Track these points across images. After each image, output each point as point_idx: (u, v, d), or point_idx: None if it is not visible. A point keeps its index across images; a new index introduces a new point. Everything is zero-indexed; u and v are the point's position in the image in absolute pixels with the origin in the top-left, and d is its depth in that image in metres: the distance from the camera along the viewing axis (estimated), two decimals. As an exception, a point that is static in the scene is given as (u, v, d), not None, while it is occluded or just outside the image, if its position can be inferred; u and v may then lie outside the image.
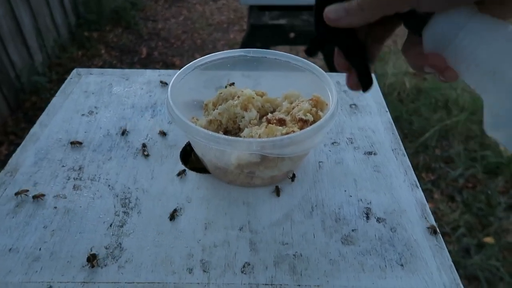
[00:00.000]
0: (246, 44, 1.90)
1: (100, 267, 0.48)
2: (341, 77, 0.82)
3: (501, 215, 1.60)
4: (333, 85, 0.57)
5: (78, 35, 2.64)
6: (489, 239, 1.55)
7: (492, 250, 1.49)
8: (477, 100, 2.18)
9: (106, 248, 0.50)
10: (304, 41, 2.03)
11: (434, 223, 0.54)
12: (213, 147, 0.52)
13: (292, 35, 1.88)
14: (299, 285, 0.46)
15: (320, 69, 0.61)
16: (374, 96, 0.77)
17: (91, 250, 0.49)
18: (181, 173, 0.60)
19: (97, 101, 0.74)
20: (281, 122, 0.54)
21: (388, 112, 0.73)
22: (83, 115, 0.71)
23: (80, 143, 0.65)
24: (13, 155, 0.63)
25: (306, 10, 1.92)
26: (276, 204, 0.56)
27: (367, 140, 0.67)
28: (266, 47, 1.72)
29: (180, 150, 0.65)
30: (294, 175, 0.60)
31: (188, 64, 0.62)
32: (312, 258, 0.49)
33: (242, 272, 0.48)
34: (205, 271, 0.48)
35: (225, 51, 0.65)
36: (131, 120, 0.70)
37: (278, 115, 0.56)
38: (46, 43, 2.30)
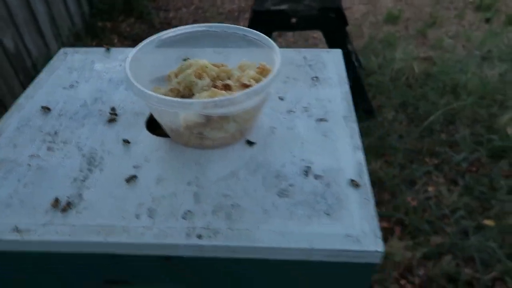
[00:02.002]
0: (248, 29, 1.93)
1: (59, 212, 0.54)
2: (308, 52, 0.86)
3: (503, 198, 1.58)
4: (279, 55, 0.62)
5: (92, 25, 2.74)
6: (489, 222, 1.53)
7: (491, 232, 1.47)
8: (486, 84, 2.15)
9: (68, 197, 0.57)
10: (306, 26, 2.05)
11: (367, 180, 0.58)
12: (165, 110, 0.58)
13: (294, 20, 1.91)
14: (231, 229, 0.52)
15: (272, 42, 0.65)
16: (337, 69, 0.81)
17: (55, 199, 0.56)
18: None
19: (79, 76, 0.81)
20: (226, 87, 0.59)
21: (348, 84, 0.77)
22: (64, 88, 0.78)
23: (49, 109, 0.72)
24: (-1, 121, 0.71)
25: (307, -5, 1.93)
26: (225, 163, 0.62)
27: (322, 109, 0.72)
28: (269, 32, 1.76)
29: (146, 118, 0.71)
30: (250, 142, 0.65)
31: (152, 37, 0.68)
32: (248, 208, 0.55)
33: (183, 218, 0.54)
34: (150, 217, 0.54)
35: (188, 25, 0.70)
36: (106, 92, 0.77)
37: (226, 81, 0.61)
38: (61, 31, 2.41)
